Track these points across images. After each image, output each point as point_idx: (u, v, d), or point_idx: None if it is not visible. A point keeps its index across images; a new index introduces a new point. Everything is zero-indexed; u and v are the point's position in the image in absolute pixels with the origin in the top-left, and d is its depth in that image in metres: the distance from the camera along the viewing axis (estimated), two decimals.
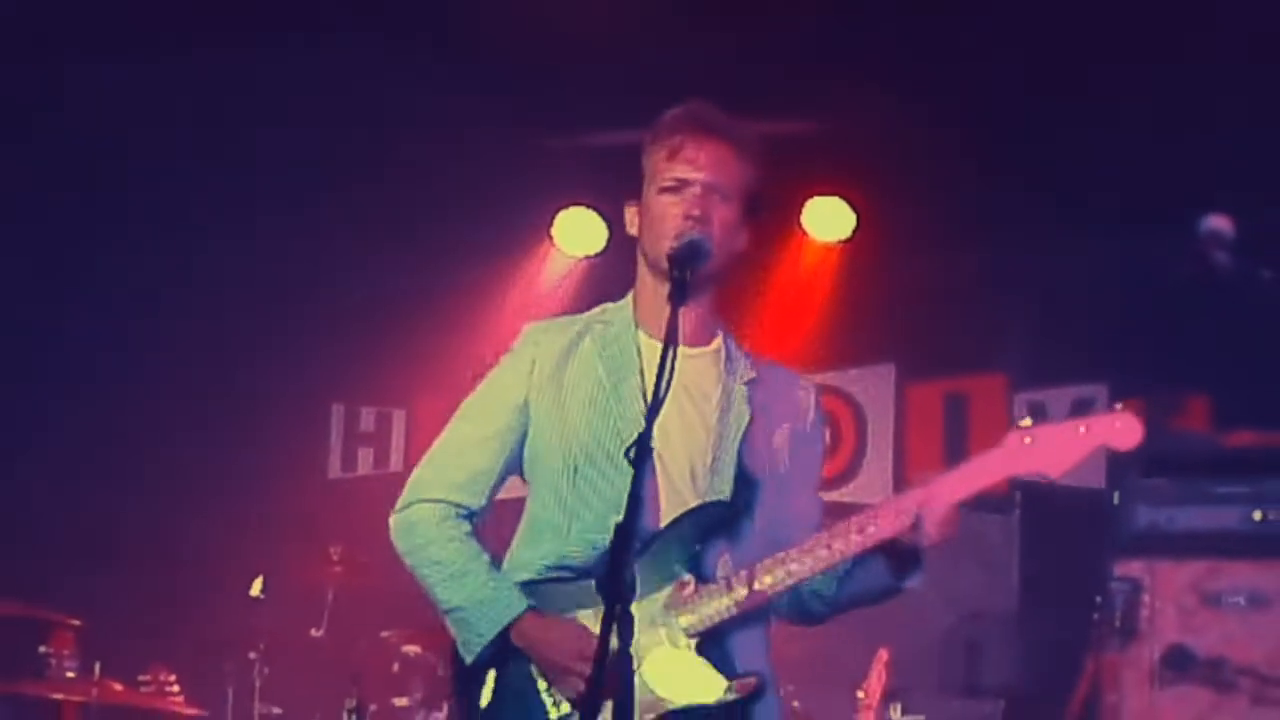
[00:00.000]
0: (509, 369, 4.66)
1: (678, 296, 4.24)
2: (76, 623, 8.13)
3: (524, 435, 4.61)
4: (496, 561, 4.59)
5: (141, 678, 8.04)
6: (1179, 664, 7.39)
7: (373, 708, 7.89)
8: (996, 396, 8.86)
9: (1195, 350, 8.09)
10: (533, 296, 9.58)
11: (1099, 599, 7.26)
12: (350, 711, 7.73)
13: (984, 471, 4.32)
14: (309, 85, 8.32)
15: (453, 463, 4.65)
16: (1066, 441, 4.29)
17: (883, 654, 7.68)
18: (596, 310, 4.68)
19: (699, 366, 4.55)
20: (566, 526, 4.52)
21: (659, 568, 4.38)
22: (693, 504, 4.43)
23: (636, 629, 4.13)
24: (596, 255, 9.40)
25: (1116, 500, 7.74)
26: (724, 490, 4.44)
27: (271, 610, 8.31)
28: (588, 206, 9.35)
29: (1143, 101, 7.91)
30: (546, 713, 4.42)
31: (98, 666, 7.78)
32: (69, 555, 8.88)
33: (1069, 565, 8.08)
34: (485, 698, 4.54)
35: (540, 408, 4.57)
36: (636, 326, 4.60)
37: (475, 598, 4.51)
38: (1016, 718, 8.35)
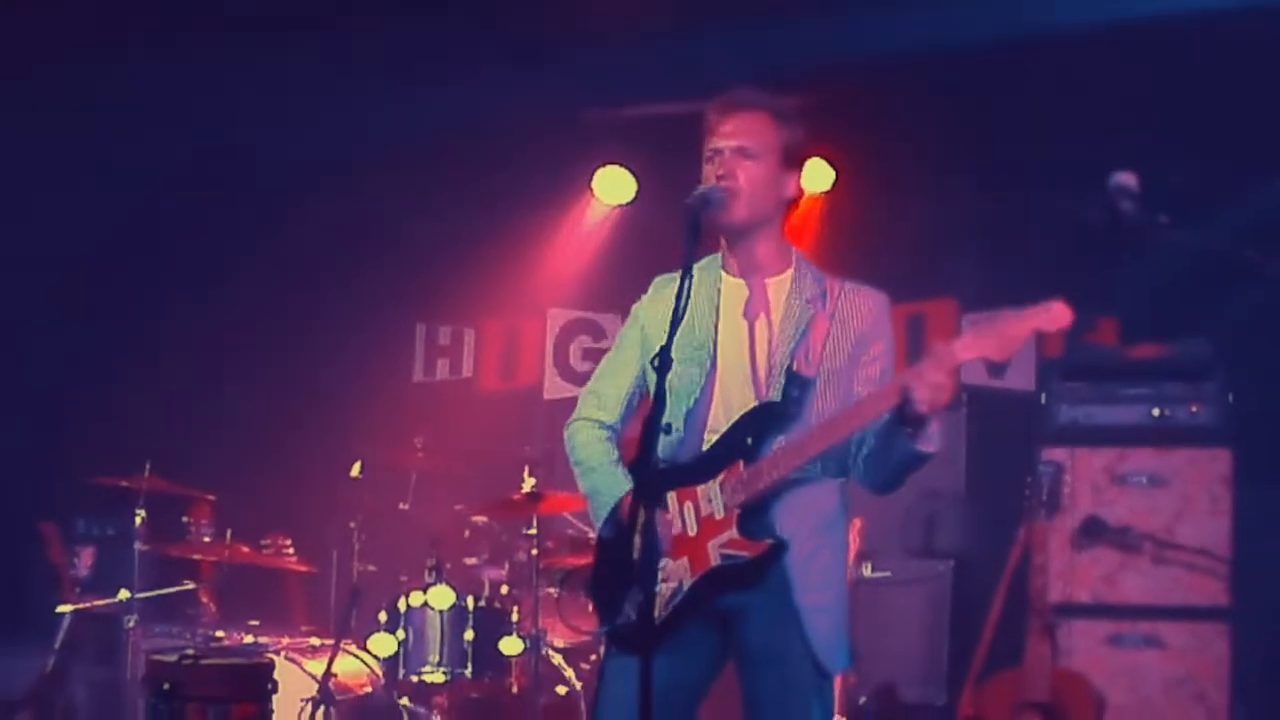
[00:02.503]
0: (636, 313, 4.79)
1: (691, 235, 4.35)
2: (212, 497, 8.25)
3: (644, 365, 4.72)
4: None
5: (263, 541, 8.15)
6: (1093, 531, 7.50)
7: (448, 565, 7.90)
8: (948, 316, 8.87)
9: (1106, 279, 8.12)
10: (576, 238, 9.54)
11: (1030, 479, 7.35)
12: (430, 568, 7.74)
13: (952, 356, 4.29)
14: (409, 65, 8.34)
15: (594, 388, 4.83)
16: (1008, 329, 4.27)
17: (857, 523, 7.61)
18: (707, 259, 4.70)
19: (772, 291, 4.62)
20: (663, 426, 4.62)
21: (719, 457, 4.48)
22: (751, 405, 4.50)
23: (700, 505, 4.41)
24: (627, 204, 9.38)
25: (1043, 400, 7.87)
26: (776, 393, 4.48)
27: (367, 488, 8.36)
28: (620, 165, 9.34)
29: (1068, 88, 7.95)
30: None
31: (229, 532, 7.86)
32: (208, 443, 8.95)
33: (1006, 452, 8.17)
34: (603, 564, 4.72)
35: (651, 340, 4.66)
36: (721, 268, 4.68)
37: (596, 486, 4.69)
38: (964, 574, 8.43)
